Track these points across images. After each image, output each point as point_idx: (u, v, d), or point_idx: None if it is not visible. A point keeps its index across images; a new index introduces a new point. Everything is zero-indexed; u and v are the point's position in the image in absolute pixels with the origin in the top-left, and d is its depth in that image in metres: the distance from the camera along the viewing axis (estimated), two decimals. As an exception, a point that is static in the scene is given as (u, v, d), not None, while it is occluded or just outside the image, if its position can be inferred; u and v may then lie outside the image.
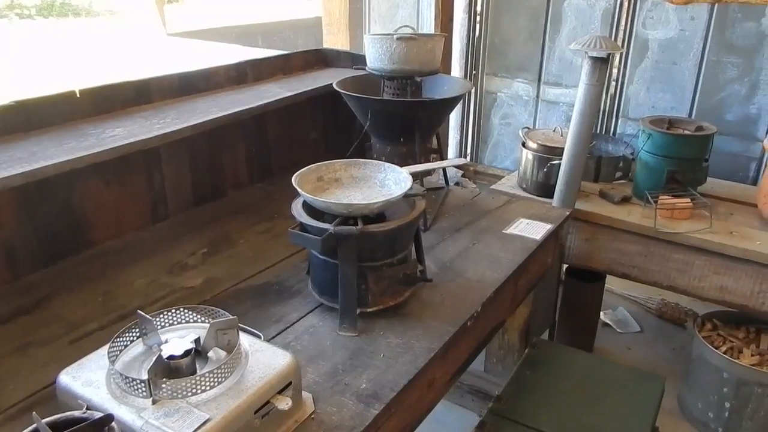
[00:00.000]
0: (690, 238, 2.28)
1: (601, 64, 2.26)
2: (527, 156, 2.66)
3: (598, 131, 3.20)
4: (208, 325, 1.02)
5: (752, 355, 2.30)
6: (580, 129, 2.35)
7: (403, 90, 1.85)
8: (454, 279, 1.58)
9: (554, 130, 2.72)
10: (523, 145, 2.70)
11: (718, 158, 2.86)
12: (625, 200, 2.58)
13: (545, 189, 2.58)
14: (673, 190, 2.49)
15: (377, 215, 1.41)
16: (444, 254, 1.72)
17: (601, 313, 3.13)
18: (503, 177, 2.96)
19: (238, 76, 2.09)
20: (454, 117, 3.67)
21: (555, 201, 2.48)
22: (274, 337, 1.30)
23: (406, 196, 1.40)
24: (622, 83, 3.06)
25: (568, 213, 2.01)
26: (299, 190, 1.31)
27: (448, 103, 1.84)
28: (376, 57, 1.82)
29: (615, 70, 3.06)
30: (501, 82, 3.46)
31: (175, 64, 2.08)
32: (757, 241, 2.22)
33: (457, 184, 2.84)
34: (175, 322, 1.08)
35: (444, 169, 2.21)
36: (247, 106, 1.83)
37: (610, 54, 2.27)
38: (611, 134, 3.18)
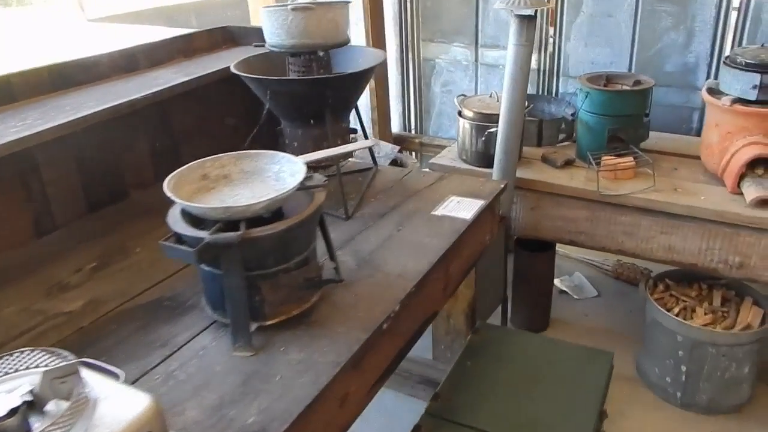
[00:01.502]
0: (634, 198, 2.17)
1: (529, 22, 2.10)
2: (464, 126, 2.51)
3: (539, 92, 3.06)
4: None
5: (705, 314, 2.22)
6: (513, 93, 2.20)
7: (308, 67, 1.67)
8: (373, 275, 1.43)
9: (491, 96, 2.56)
10: (460, 114, 2.55)
11: (660, 111, 2.75)
12: (568, 164, 2.45)
13: (486, 159, 2.43)
14: (615, 149, 2.37)
15: (274, 214, 1.24)
16: (364, 245, 1.56)
17: (557, 280, 3.03)
18: (447, 148, 2.81)
19: (128, 64, 1.87)
20: (395, 87, 3.49)
21: (495, 171, 2.35)
22: (155, 366, 1.13)
23: (301, 189, 1.23)
24: (560, 40, 2.91)
25: (502, 186, 1.86)
26: (170, 194, 1.13)
27: (358, 78, 1.66)
28: (272, 32, 1.63)
29: (551, 28, 2.91)
30: (438, 48, 3.28)
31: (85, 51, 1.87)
32: (701, 196, 2.12)
33: (395, 161, 2.68)
34: (12, 370, 0.91)
35: (370, 148, 2.04)
36: (112, 103, 1.60)
37: (536, 11, 2.11)
38: (553, 95, 3.04)
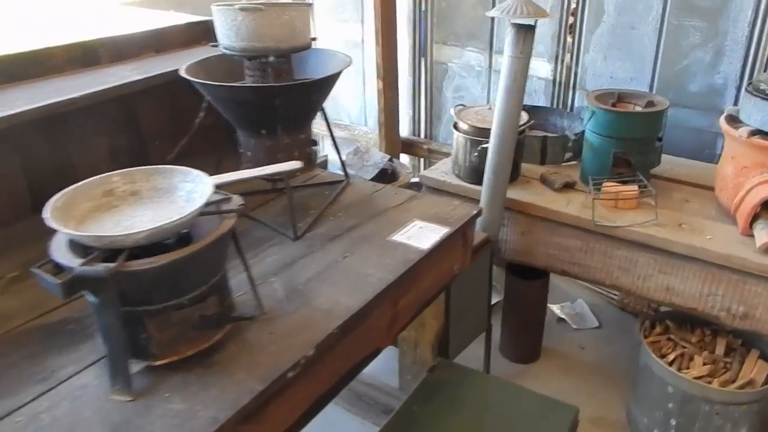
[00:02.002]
0: (632, 232, 1.97)
1: (527, 32, 1.91)
2: (458, 139, 2.34)
3: (553, 105, 2.85)
4: None
5: (704, 363, 2.00)
6: (506, 108, 2.03)
7: (263, 72, 1.54)
8: (299, 309, 1.30)
9: (489, 108, 2.38)
10: (455, 126, 2.38)
11: (681, 134, 2.52)
12: (568, 187, 2.26)
13: (478, 175, 2.26)
14: (620, 174, 2.17)
15: (180, 240, 1.12)
16: (302, 273, 1.43)
17: (557, 306, 2.84)
18: (442, 160, 2.64)
19: (85, 58, 1.77)
20: (405, 91, 3.34)
21: (483, 190, 2.17)
22: (24, 405, 1.03)
23: (203, 214, 1.11)
24: (578, 51, 2.70)
25: (474, 212, 1.69)
26: (47, 214, 1.02)
27: (312, 87, 1.52)
28: (223, 33, 1.50)
29: (569, 38, 2.69)
30: (451, 52, 3.11)
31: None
32: (707, 236, 1.90)
33: (385, 170, 2.53)
34: None
35: (341, 158, 1.90)
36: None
37: (536, 21, 1.92)
38: (568, 109, 2.83)
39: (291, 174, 1.53)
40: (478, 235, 2.09)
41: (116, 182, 1.18)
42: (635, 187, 2.07)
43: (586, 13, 2.61)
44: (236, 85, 1.49)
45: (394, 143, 3.29)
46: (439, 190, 2.39)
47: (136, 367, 1.10)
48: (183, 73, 1.54)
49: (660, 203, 2.05)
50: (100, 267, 0.95)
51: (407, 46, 3.22)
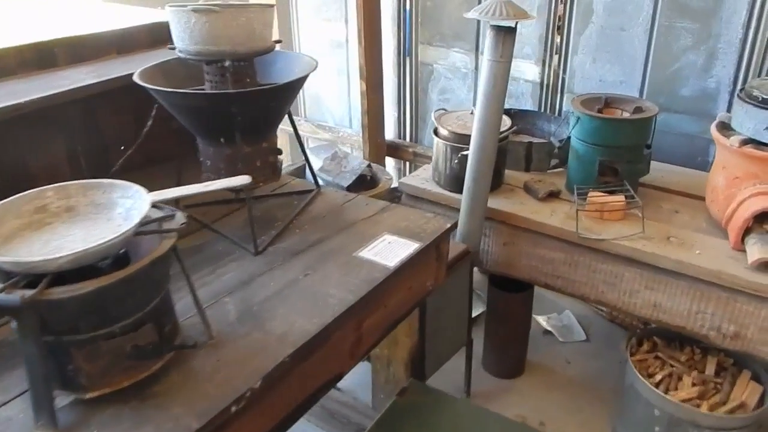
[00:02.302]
0: (617, 245, 1.88)
1: (506, 35, 1.82)
2: (438, 145, 2.25)
3: (540, 109, 2.76)
4: None
5: (693, 384, 1.91)
6: (486, 115, 1.94)
7: (221, 77, 1.44)
8: (251, 333, 1.20)
9: (471, 113, 2.29)
10: (435, 132, 2.29)
11: (673, 140, 2.43)
12: (552, 196, 2.17)
13: (458, 184, 2.17)
14: (606, 184, 2.08)
15: (116, 262, 1.03)
16: (259, 292, 1.34)
17: (543, 318, 2.75)
18: (423, 167, 2.55)
19: (40, 59, 1.68)
20: (390, 92, 3.24)
21: (463, 199, 2.08)
22: (-66, 443, 0.94)
23: (140, 233, 1.01)
24: (566, 53, 2.61)
25: (448, 225, 1.60)
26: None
27: (271, 93, 1.43)
28: (177, 35, 1.41)
29: (558, 39, 2.60)
30: (437, 53, 3.02)
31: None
32: (696, 250, 1.81)
33: (364, 176, 2.43)
34: None
35: (310, 167, 1.81)
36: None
37: (517, 23, 1.83)
38: (556, 113, 2.73)
39: (251, 185, 1.44)
40: (458, 246, 2.01)
41: (50, 197, 1.09)
42: (622, 198, 1.98)
43: (574, 13, 2.52)
44: (188, 91, 1.40)
45: (378, 147, 3.19)
46: (418, 197, 2.30)
47: (64, 400, 1.01)
48: (136, 77, 1.44)
49: (648, 214, 1.96)
50: (16, 295, 0.86)
51: (392, 47, 3.12)
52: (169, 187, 1.51)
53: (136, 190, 1.09)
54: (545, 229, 2.02)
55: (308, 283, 1.37)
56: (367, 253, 1.48)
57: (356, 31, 2.92)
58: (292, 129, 1.69)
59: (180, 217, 1.09)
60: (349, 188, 2.38)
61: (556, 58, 2.63)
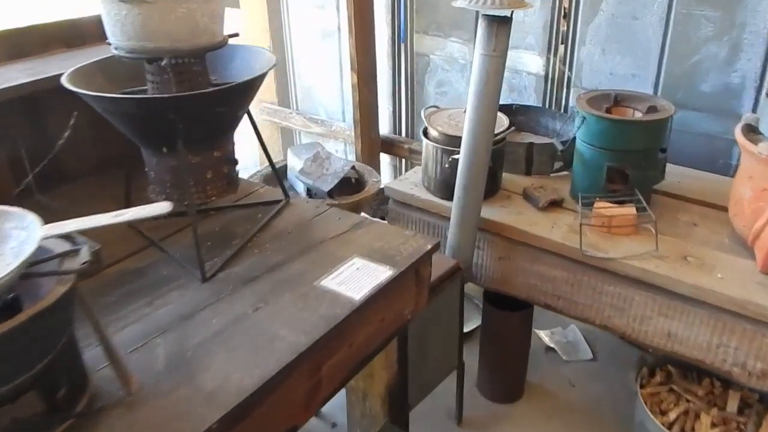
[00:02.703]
0: (626, 266, 1.65)
1: (500, 25, 1.59)
2: (428, 147, 2.03)
3: (545, 105, 2.52)
4: None
5: (713, 424, 1.69)
6: (478, 115, 1.71)
7: (162, 77, 1.23)
8: (178, 387, 1.00)
9: (464, 111, 2.06)
10: (424, 133, 2.06)
11: (691, 141, 2.19)
12: (554, 204, 1.94)
13: (449, 190, 1.95)
14: (615, 192, 1.85)
15: (5, 308, 0.83)
16: (197, 331, 1.13)
17: (546, 333, 2.53)
18: (412, 169, 2.33)
19: (-29, 55, 1.49)
20: (386, 85, 3.02)
21: (453, 209, 1.86)
22: None
23: (27, 276, 0.81)
24: (573, 44, 2.36)
25: (429, 247, 1.38)
26: None
27: (216, 97, 1.21)
28: (109, 29, 1.19)
29: (564, 28, 2.36)
30: (433, 42, 2.78)
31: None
32: (717, 273, 1.58)
33: (348, 179, 2.21)
34: None
35: (277, 175, 1.60)
36: None
37: (512, 13, 1.60)
38: (562, 109, 2.50)
39: (179, 210, 1.23)
40: (447, 261, 1.80)
41: (-74, 228, 0.89)
42: (632, 210, 1.75)
43: (581, 0, 2.28)
44: (117, 96, 1.18)
45: (371, 142, 2.97)
46: (406, 204, 2.08)
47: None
48: (65, 79, 1.23)
49: (662, 227, 1.73)
50: None
51: (386, 36, 2.89)
52: (119, 198, 1.31)
53: (32, 220, 0.88)
54: (545, 244, 1.80)
55: (257, 319, 1.16)
56: (330, 282, 1.26)
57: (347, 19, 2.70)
58: (254, 130, 1.47)
59: (84, 254, 0.88)
60: (332, 192, 2.16)
61: (561, 48, 2.39)
